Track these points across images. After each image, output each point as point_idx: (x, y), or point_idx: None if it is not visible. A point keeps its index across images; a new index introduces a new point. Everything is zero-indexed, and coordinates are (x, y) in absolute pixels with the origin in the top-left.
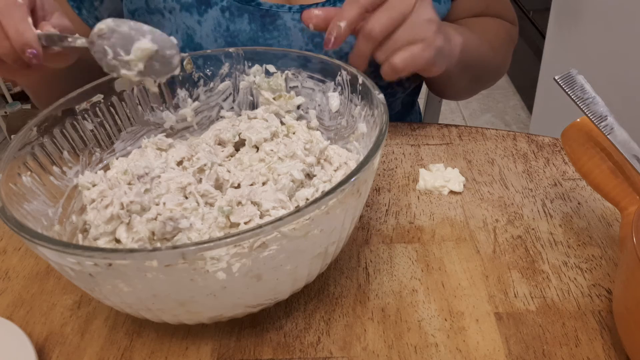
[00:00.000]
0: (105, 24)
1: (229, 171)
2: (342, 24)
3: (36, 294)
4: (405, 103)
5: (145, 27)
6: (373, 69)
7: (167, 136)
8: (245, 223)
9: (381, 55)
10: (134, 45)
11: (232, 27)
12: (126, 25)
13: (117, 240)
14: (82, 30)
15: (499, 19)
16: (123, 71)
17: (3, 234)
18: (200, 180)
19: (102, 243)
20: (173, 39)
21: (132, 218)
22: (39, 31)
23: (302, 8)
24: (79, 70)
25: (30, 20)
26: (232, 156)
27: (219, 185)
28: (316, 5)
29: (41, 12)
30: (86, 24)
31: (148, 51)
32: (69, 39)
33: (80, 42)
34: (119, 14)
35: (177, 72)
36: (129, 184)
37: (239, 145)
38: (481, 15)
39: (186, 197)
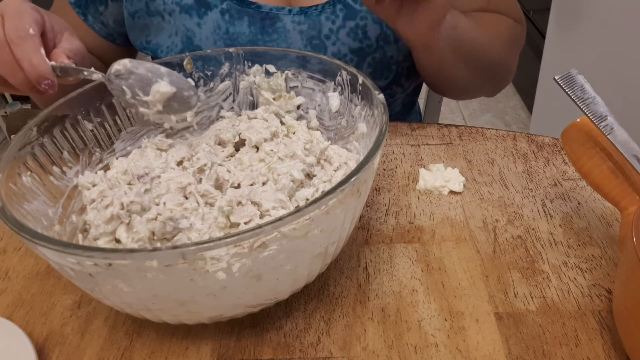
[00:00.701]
0: (122, 65)
1: (229, 171)
2: None
3: (36, 294)
4: (405, 103)
5: (163, 69)
6: (372, 70)
7: (167, 136)
8: (245, 223)
9: None
10: (152, 87)
11: (232, 30)
12: (143, 67)
13: (117, 240)
14: (89, 36)
15: (501, 15)
16: (142, 109)
17: (3, 234)
18: (200, 180)
19: (102, 243)
20: (190, 81)
21: (132, 218)
22: (53, 62)
23: (302, 10)
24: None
25: (43, 51)
26: (232, 156)
27: (219, 185)
28: (316, 7)
29: (51, 34)
30: (92, 29)
31: (167, 94)
32: (85, 73)
33: (97, 76)
34: (123, 17)
35: (195, 109)
36: (129, 184)
37: (239, 145)
38: (482, 11)
39: (186, 197)
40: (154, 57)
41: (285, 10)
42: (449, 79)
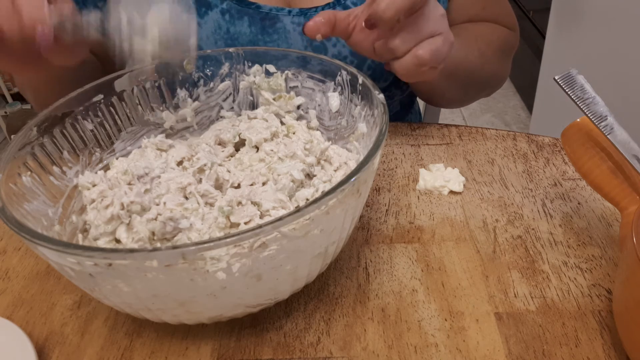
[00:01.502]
0: None
1: (229, 171)
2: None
3: (36, 294)
4: (404, 103)
5: None
6: (372, 72)
7: (167, 136)
8: (245, 223)
9: (402, 45)
10: (149, 11)
11: (232, 30)
12: None
13: (117, 240)
14: None
15: (494, 25)
16: (137, 39)
17: (3, 234)
18: (200, 181)
19: (102, 243)
20: (191, 17)
21: (132, 218)
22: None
23: (302, 11)
24: (83, 73)
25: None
26: (232, 156)
27: (219, 186)
28: (316, 9)
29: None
30: None
31: (164, 20)
32: (83, 24)
33: (94, 16)
34: None
35: (193, 54)
36: (129, 184)
37: (239, 145)
38: (477, 19)
39: (186, 198)
40: None
41: (285, 11)
42: (442, 96)
